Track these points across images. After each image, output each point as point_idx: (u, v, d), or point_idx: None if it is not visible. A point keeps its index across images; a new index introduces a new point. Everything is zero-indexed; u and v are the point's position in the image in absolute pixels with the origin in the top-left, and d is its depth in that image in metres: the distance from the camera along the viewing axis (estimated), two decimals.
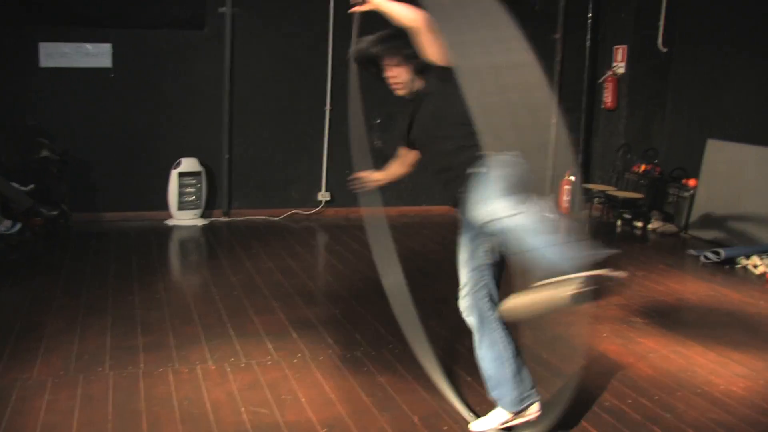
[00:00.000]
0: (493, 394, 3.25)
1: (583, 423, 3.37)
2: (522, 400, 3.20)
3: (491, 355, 3.19)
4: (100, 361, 3.79)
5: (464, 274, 3.19)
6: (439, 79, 3.08)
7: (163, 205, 7.23)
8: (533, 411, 3.23)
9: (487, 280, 3.16)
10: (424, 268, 6.08)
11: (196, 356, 3.94)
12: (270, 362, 3.90)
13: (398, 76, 3.23)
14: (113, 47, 7.03)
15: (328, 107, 7.67)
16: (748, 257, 6.46)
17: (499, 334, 3.19)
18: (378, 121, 7.88)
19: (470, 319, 3.18)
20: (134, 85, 7.14)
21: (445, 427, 3.26)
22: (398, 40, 3.15)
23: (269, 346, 4.13)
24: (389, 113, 7.75)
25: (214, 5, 7.25)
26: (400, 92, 3.27)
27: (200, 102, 7.37)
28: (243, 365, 3.85)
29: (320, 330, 4.41)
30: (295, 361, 3.93)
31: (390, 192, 7.98)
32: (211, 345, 4.11)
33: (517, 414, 3.21)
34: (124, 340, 4.10)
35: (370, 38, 3.28)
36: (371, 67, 3.32)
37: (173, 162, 7.17)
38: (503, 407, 3.22)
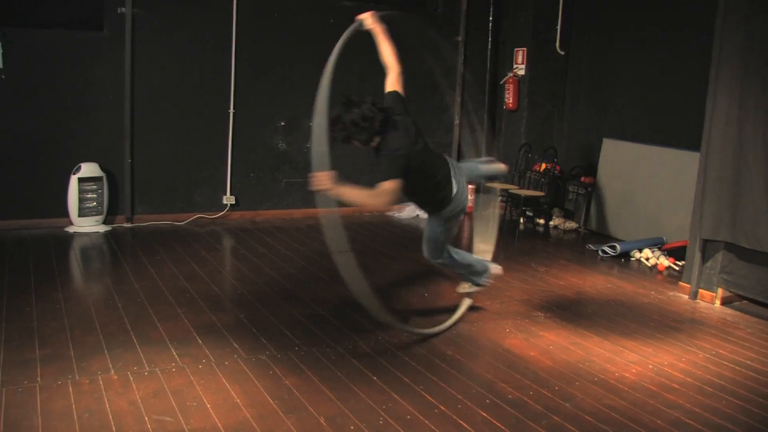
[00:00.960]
0: (476, 280, 4.91)
1: (487, 416, 3.46)
2: (485, 273, 4.92)
3: (461, 262, 4.76)
4: None
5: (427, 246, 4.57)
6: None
7: (63, 211, 6.99)
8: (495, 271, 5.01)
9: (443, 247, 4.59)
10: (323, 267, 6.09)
11: (97, 366, 3.84)
12: (174, 369, 3.84)
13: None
14: (3, 46, 6.74)
15: (231, 110, 7.59)
16: (641, 251, 6.78)
17: (455, 254, 4.71)
18: (282, 124, 7.86)
19: (437, 262, 4.65)
20: (28, 88, 6.87)
21: (352, 427, 3.30)
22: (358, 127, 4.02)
23: (174, 352, 4.06)
24: (292, 116, 7.76)
25: (113, 5, 7.05)
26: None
27: (100, 105, 7.16)
28: (147, 373, 3.77)
29: (225, 335, 4.37)
30: (200, 366, 3.88)
31: (294, 195, 7.97)
32: (113, 354, 4.01)
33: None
34: (20, 354, 3.95)
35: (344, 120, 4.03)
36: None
37: (72, 167, 6.94)
38: (481, 284, 4.93)
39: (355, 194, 3.89)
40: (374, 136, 4.03)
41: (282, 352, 4.13)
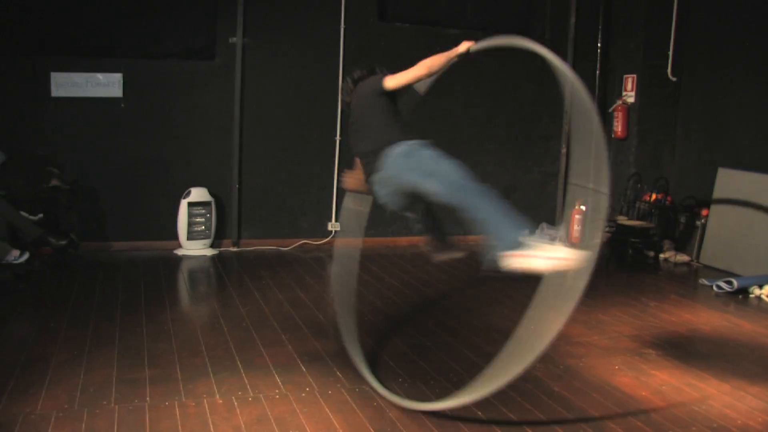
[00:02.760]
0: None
1: None
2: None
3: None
4: (105, 395, 3.75)
5: None
6: None
7: (173, 234, 7.22)
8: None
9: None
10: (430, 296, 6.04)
11: (203, 389, 3.89)
12: (278, 396, 3.85)
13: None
14: (124, 77, 7.07)
15: (338, 137, 7.68)
16: (761, 287, 6.39)
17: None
18: None
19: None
20: (144, 115, 7.17)
21: None
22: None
23: (278, 379, 4.08)
24: None
25: (225, 35, 7.29)
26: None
27: (210, 132, 7.39)
28: (251, 399, 3.80)
29: (329, 363, 4.36)
30: (304, 395, 3.88)
31: (399, 222, 7.95)
32: (218, 378, 4.06)
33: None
34: (131, 373, 4.06)
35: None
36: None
37: (183, 191, 7.18)
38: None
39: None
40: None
41: (386, 383, 4.07)
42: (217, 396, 3.81)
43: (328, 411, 3.68)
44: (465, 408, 3.77)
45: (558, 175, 8.63)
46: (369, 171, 3.84)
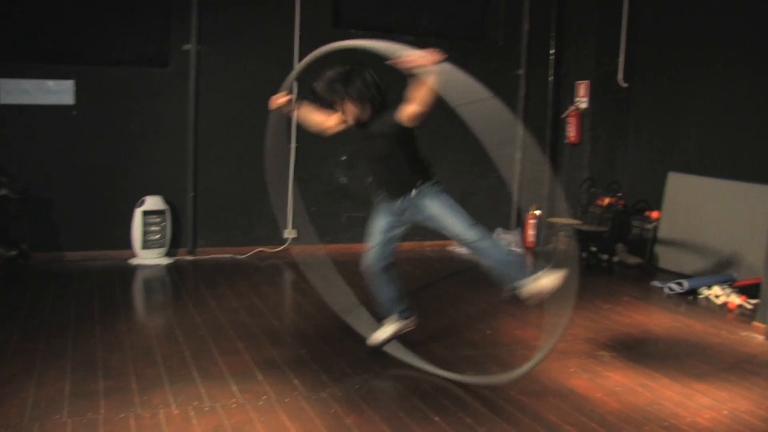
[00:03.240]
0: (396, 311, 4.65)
1: None
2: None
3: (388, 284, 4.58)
4: (57, 409, 3.67)
5: (378, 241, 4.48)
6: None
7: (127, 244, 7.13)
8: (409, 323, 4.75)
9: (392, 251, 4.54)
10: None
11: (158, 400, 3.84)
12: (235, 405, 3.82)
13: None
14: (76, 84, 6.97)
15: (293, 144, 7.66)
16: (710, 288, 6.54)
17: (392, 274, 4.57)
18: (344, 158, 7.89)
19: (375, 267, 4.49)
20: (97, 123, 7.07)
21: None
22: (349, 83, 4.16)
23: (234, 388, 4.05)
24: (354, 150, 7.75)
25: (179, 42, 7.23)
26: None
27: (164, 139, 7.31)
28: (207, 409, 3.76)
29: (286, 371, 4.34)
30: (261, 403, 3.86)
31: (356, 228, 7.97)
32: (174, 388, 4.01)
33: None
34: (84, 386, 3.99)
35: (330, 77, 4.21)
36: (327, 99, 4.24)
37: (137, 200, 7.09)
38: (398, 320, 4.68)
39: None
40: (374, 106, 4.18)
41: (343, 390, 4.07)
42: (173, 407, 3.77)
43: (285, 419, 3.67)
44: (421, 412, 3.79)
45: (513, 180, 8.72)
46: (394, 193, 4.38)
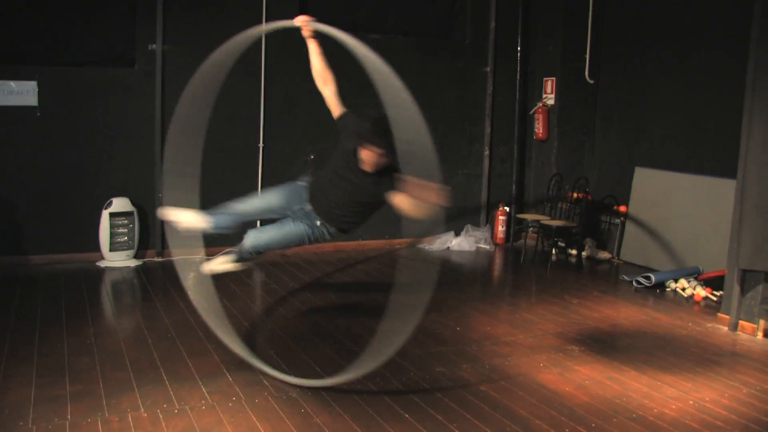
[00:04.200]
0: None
1: None
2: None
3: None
4: (22, 415, 3.61)
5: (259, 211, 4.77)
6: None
7: (95, 246, 7.04)
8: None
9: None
10: (358, 300, 6.06)
11: (127, 403, 3.81)
12: (204, 407, 3.80)
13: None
14: (39, 85, 6.86)
15: (261, 144, 7.63)
16: (676, 281, 6.64)
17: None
18: (311, 157, 7.87)
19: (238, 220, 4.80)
20: (62, 124, 6.97)
21: None
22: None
23: (204, 390, 4.02)
24: (322, 149, 7.75)
25: (144, 42, 7.15)
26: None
27: (131, 140, 7.23)
28: (177, 411, 3.74)
29: (256, 371, 4.31)
30: (230, 404, 3.84)
31: None
32: (143, 391, 3.98)
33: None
34: (51, 390, 3.94)
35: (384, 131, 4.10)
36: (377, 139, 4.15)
37: (104, 202, 7.00)
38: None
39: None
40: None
41: (313, 390, 4.06)
42: (142, 410, 3.74)
43: (255, 419, 3.66)
44: (391, 409, 3.80)
45: (482, 177, 8.77)
46: (319, 208, 4.50)
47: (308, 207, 4.53)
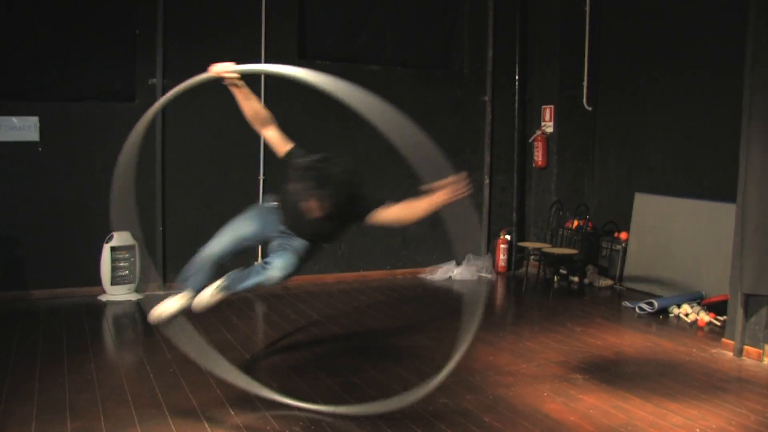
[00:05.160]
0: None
1: None
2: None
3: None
4: None
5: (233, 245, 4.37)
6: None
7: (96, 280, 7.03)
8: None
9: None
10: (354, 330, 6.04)
11: None
12: None
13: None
14: (40, 120, 6.91)
15: (261, 176, 7.65)
16: (679, 306, 6.61)
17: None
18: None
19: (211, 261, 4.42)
20: (63, 159, 7.00)
21: None
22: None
23: (206, 425, 3.99)
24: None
25: (145, 76, 7.21)
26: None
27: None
28: None
29: (258, 405, 4.28)
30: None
31: (326, 259, 7.95)
32: (144, 427, 3.95)
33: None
34: (51, 428, 3.91)
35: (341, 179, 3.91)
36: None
37: (105, 236, 7.01)
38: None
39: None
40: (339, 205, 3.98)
41: (315, 424, 4.03)
42: None
43: None
44: None
45: (483, 205, 8.77)
46: (295, 228, 4.24)
47: (283, 224, 4.25)
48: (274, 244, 4.32)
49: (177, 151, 7.37)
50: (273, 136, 4.21)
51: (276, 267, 4.17)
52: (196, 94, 7.38)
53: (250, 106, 4.19)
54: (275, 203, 4.33)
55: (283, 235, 4.26)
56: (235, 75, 4.06)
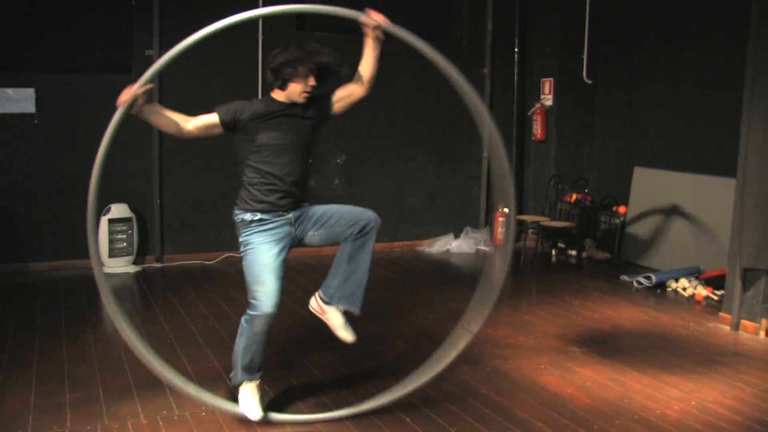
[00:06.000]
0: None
1: None
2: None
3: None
4: (21, 423, 3.60)
5: (276, 278, 3.70)
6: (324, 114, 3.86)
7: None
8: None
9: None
10: None
11: (127, 410, 3.79)
12: (204, 413, 3.78)
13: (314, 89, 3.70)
14: (36, 92, 6.86)
15: None
16: (677, 280, 6.62)
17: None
18: (310, 161, 7.84)
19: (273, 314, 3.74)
20: (60, 131, 6.96)
21: None
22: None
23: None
24: (320, 153, 7.74)
25: (141, 48, 7.15)
26: (302, 99, 3.72)
27: (129, 146, 7.21)
28: (176, 417, 3.72)
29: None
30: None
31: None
32: (142, 398, 3.97)
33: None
34: (50, 398, 3.93)
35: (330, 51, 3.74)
36: (314, 72, 3.67)
37: (102, 208, 6.99)
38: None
39: None
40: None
41: (313, 394, 4.05)
42: (142, 416, 3.72)
43: (256, 426, 3.64)
44: (392, 414, 3.78)
45: (481, 178, 8.75)
46: (297, 197, 3.80)
47: (287, 211, 3.78)
48: (309, 233, 3.84)
49: None
50: (198, 125, 3.87)
51: (368, 213, 3.84)
52: (193, 63, 7.36)
53: (165, 122, 3.82)
54: (253, 210, 3.82)
55: (301, 221, 3.82)
56: (139, 100, 3.67)
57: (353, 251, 3.79)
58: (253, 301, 3.68)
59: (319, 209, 3.86)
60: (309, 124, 3.80)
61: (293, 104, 3.75)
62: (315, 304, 4.04)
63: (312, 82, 3.67)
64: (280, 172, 3.74)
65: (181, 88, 7.33)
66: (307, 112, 3.78)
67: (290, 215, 3.77)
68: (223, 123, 3.83)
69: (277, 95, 3.77)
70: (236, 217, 3.84)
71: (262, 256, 3.68)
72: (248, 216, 3.78)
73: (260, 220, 3.74)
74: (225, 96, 7.43)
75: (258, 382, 3.76)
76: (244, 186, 3.87)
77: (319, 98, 3.80)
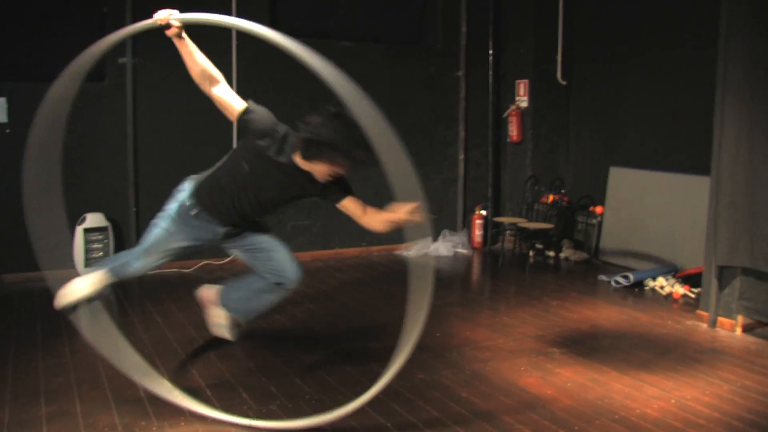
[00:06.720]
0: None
1: None
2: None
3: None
4: None
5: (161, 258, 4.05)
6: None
7: (69, 263, 6.94)
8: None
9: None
10: (333, 309, 6.02)
11: (104, 422, 3.74)
12: (183, 423, 3.74)
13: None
14: (8, 101, 6.77)
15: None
16: (654, 279, 6.67)
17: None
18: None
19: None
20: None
21: None
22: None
23: (182, 405, 3.96)
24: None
25: (114, 56, 7.08)
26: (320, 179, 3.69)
27: (104, 155, 7.15)
28: (155, 428, 3.67)
29: (234, 384, 4.26)
30: (210, 421, 3.78)
31: (301, 237, 7.93)
32: (120, 409, 3.91)
33: None
34: (25, 412, 3.86)
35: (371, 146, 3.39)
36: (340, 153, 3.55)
37: (77, 218, 6.91)
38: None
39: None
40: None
41: (292, 401, 4.02)
42: (119, 428, 3.67)
43: None
44: (371, 419, 3.76)
45: (457, 181, 8.76)
46: (234, 221, 3.99)
47: (223, 224, 3.98)
48: (235, 250, 4.21)
49: (149, 131, 7.26)
50: (223, 94, 3.76)
51: (291, 274, 4.07)
52: (169, 73, 7.30)
53: (196, 61, 3.70)
54: (200, 204, 3.95)
55: (232, 237, 4.09)
56: (177, 24, 3.59)
57: (265, 288, 4.14)
58: (137, 249, 4.12)
59: (256, 239, 4.08)
60: (301, 193, 3.85)
61: (303, 171, 3.70)
62: (207, 294, 4.39)
63: (342, 172, 3.63)
64: (239, 203, 3.84)
65: (154, 95, 7.27)
66: (309, 184, 3.76)
67: (223, 230, 3.98)
68: (241, 119, 3.75)
69: (297, 156, 3.67)
70: (182, 191, 4.02)
71: (169, 241, 3.95)
72: (189, 203, 3.96)
73: (196, 215, 3.91)
74: (198, 104, 7.39)
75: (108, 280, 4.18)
76: (213, 175, 3.92)
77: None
